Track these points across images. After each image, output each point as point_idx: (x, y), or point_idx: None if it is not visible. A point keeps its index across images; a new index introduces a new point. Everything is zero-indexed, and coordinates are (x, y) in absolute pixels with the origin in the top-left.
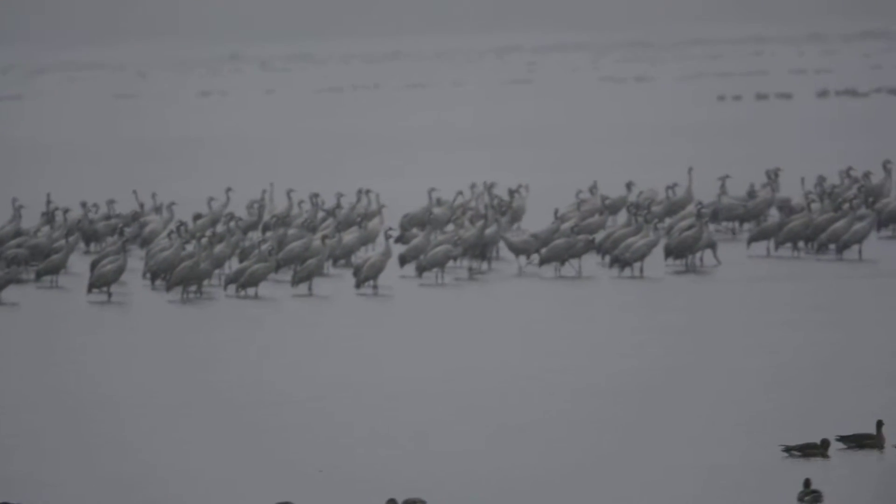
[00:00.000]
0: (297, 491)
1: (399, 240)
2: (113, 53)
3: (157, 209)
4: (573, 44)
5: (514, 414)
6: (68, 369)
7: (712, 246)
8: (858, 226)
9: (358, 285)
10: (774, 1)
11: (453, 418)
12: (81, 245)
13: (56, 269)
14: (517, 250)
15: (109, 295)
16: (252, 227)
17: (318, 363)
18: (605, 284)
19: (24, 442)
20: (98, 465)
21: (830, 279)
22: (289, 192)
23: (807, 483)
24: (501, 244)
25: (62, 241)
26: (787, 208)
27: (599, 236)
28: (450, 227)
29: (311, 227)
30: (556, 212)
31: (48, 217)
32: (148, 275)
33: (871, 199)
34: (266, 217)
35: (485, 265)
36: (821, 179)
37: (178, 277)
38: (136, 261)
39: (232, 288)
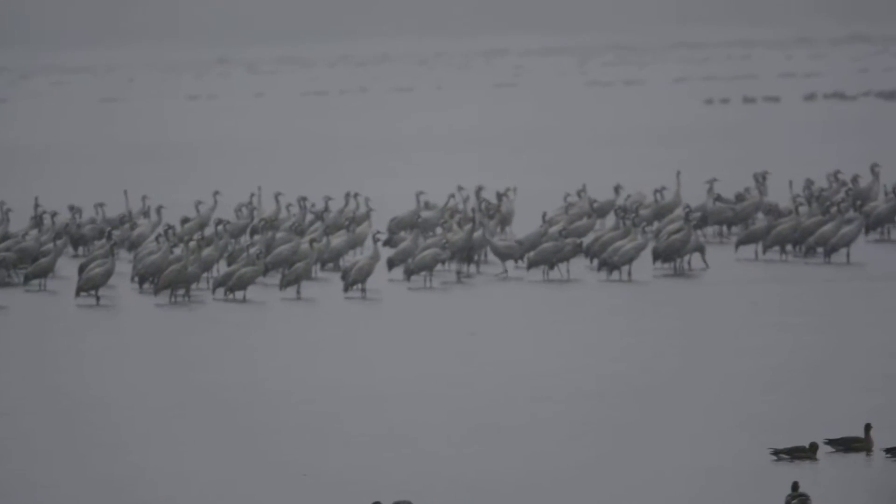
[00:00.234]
0: (287, 493)
1: (387, 243)
2: (100, 57)
3: (146, 213)
4: (561, 47)
5: (503, 417)
6: (57, 373)
7: (700, 249)
8: (846, 229)
9: (346, 289)
10: (762, 4)
11: (442, 421)
12: (70, 249)
13: (44, 273)
14: (502, 255)
15: (97, 298)
16: (241, 230)
17: (307, 366)
18: (592, 288)
19: (14, 444)
20: (88, 466)
21: (818, 283)
22: (277, 196)
23: (795, 486)
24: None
25: (50, 245)
26: (774, 212)
27: (587, 240)
28: (437, 230)
29: (299, 230)
30: (544, 215)
31: (36, 220)
32: (136, 278)
33: (858, 203)
34: (255, 220)
35: (473, 268)
36: (809, 183)
37: (166, 281)
38: (124, 264)
39: (220, 291)
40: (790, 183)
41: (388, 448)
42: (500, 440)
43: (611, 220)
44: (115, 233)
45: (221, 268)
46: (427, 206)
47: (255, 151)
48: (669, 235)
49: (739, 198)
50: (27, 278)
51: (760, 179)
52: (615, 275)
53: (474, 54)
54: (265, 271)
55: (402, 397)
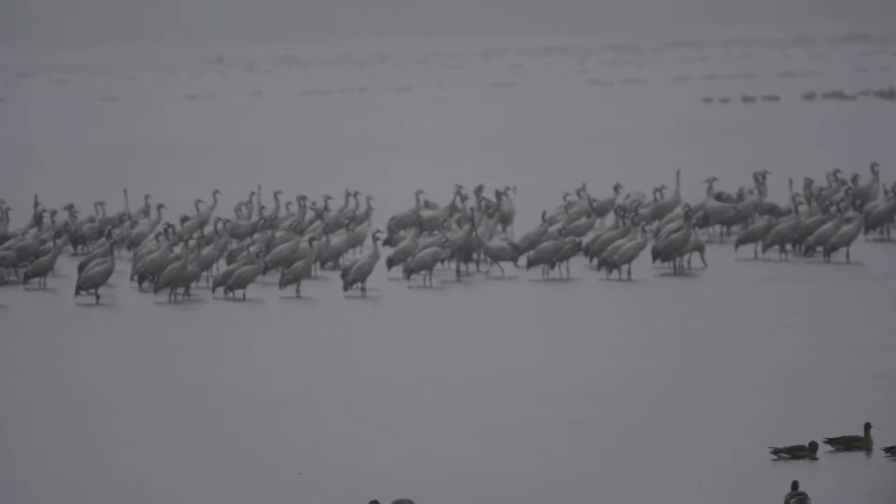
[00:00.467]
0: (284, 492)
1: (387, 242)
2: (98, 56)
3: (146, 211)
4: (559, 47)
5: (502, 416)
6: (56, 371)
7: (700, 248)
8: (846, 228)
9: (346, 288)
10: (761, 4)
11: (441, 420)
12: (69, 247)
13: (44, 272)
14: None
15: (97, 297)
16: (250, 230)
17: (306, 365)
18: (592, 287)
19: (11, 442)
20: (85, 464)
21: (818, 282)
22: (276, 194)
23: (794, 485)
24: None
25: (50, 244)
26: (776, 212)
27: (587, 239)
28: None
29: (298, 229)
30: (543, 214)
31: (36, 219)
32: (135, 277)
33: (858, 202)
34: (254, 219)
35: (472, 267)
36: (808, 182)
37: (165, 279)
38: (123, 263)
39: (220, 290)
40: (790, 182)
41: (387, 447)
42: (499, 438)
43: (610, 219)
44: (115, 231)
45: (221, 266)
46: (427, 204)
47: (253, 150)
48: (669, 234)
49: (739, 196)
50: (27, 277)
51: (760, 179)
52: (615, 274)
53: (473, 54)
54: (265, 270)
55: (400, 395)
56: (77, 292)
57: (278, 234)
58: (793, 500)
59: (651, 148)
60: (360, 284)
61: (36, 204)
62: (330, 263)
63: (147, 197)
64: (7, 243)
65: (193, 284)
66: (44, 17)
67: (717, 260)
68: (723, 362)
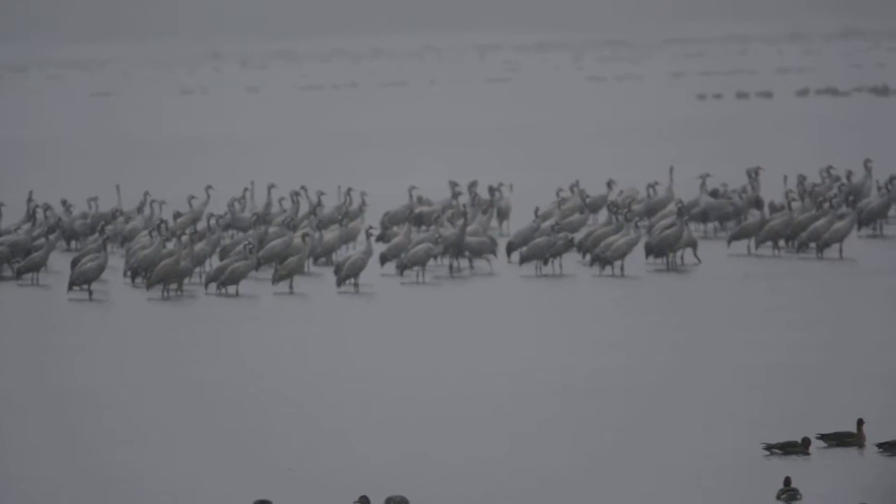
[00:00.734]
0: (277, 488)
1: (380, 238)
2: (94, 52)
3: (140, 208)
4: (554, 42)
5: (495, 412)
6: (48, 367)
7: (693, 245)
8: (839, 224)
9: (339, 284)
10: (756, 0)
11: (434, 416)
12: (62, 243)
13: (37, 267)
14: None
15: (90, 293)
16: (233, 225)
17: (299, 361)
18: (585, 283)
19: (5, 438)
20: (79, 460)
21: (811, 278)
22: (269, 188)
23: (787, 481)
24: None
25: (43, 239)
26: (759, 205)
27: (580, 235)
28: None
29: (291, 225)
30: (536, 210)
31: (29, 215)
32: (128, 273)
33: (851, 198)
34: (247, 214)
35: (465, 263)
36: (801, 178)
37: (158, 275)
38: (116, 259)
39: (212, 286)
40: (785, 178)
41: (381, 444)
42: (492, 435)
43: (603, 215)
44: (108, 227)
45: (214, 262)
46: (420, 200)
47: (248, 146)
48: (662, 230)
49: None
50: (19, 272)
51: (753, 175)
52: (608, 270)
53: (467, 49)
54: (258, 266)
55: (394, 392)
56: (70, 288)
57: (271, 229)
58: (783, 496)
59: (644, 144)
60: (353, 280)
61: (30, 199)
62: (323, 259)
63: (146, 193)
64: None
65: (186, 280)
66: (39, 14)
67: (710, 256)
68: (717, 358)
